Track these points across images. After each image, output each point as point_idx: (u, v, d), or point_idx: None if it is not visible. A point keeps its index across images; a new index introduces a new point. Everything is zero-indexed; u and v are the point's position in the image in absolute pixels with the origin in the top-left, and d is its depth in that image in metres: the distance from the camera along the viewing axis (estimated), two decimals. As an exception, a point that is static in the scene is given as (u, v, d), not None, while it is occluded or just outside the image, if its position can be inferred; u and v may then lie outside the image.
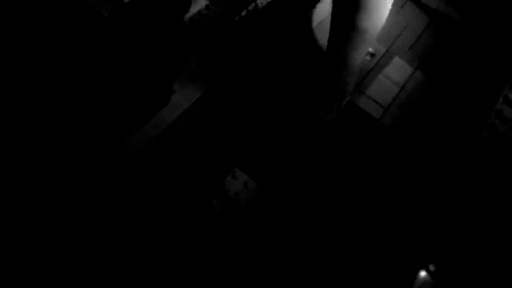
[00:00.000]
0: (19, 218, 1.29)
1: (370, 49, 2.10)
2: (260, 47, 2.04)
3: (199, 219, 1.59)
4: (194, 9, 2.01)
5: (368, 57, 2.08)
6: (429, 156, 1.81)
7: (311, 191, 1.83)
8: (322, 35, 2.10)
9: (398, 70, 2.09)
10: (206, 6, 2.06)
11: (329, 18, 2.11)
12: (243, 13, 2.03)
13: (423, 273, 1.50)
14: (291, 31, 2.09)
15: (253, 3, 2.12)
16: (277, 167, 1.92)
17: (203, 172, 1.79)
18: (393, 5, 2.30)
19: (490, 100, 1.86)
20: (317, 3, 2.15)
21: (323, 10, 2.15)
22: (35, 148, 1.31)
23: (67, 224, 1.34)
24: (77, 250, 1.38)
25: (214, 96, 1.89)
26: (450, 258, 1.47)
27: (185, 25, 1.85)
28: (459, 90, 2.03)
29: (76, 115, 1.33)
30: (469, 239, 1.42)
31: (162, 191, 1.57)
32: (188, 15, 1.90)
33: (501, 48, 2.11)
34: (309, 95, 1.93)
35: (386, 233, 1.66)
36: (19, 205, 1.30)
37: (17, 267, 1.27)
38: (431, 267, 1.48)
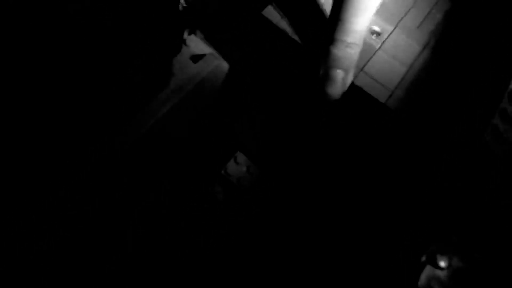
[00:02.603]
0: (19, 218, 1.28)
1: (376, 28, 2.03)
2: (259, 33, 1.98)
3: (199, 219, 1.59)
4: None
5: (373, 36, 2.02)
6: (433, 149, 1.78)
7: (312, 181, 1.81)
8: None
9: (405, 50, 2.02)
10: None
11: None
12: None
13: (428, 268, 1.50)
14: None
15: None
16: (280, 151, 1.90)
17: (204, 158, 1.78)
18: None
19: (491, 99, 1.81)
20: None
21: None
22: (35, 147, 1.29)
23: (67, 224, 1.34)
24: (77, 250, 1.39)
25: (215, 79, 1.85)
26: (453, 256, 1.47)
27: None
28: (465, 76, 1.97)
29: (76, 114, 1.31)
30: (469, 238, 1.41)
31: (162, 191, 1.56)
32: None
33: (503, 45, 2.04)
34: (310, 68, 1.87)
35: (386, 232, 1.65)
36: (19, 205, 1.29)
37: (17, 267, 1.28)
38: (441, 263, 1.48)
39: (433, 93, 1.93)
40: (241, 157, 1.86)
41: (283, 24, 1.95)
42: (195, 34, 1.91)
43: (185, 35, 1.87)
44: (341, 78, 1.79)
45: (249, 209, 1.68)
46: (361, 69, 1.92)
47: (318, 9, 2.01)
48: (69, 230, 1.36)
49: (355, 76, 1.89)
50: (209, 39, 1.93)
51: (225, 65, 1.83)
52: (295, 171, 1.83)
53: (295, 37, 1.93)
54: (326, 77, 1.77)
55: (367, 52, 1.97)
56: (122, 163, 1.40)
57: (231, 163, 1.83)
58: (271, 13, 1.97)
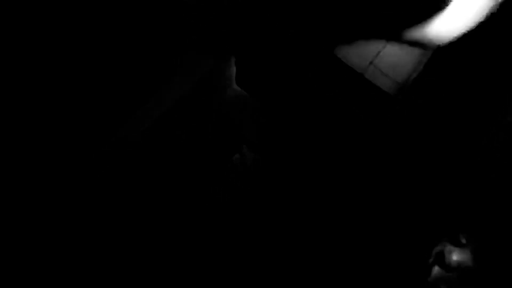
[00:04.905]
0: (19, 218, 1.26)
1: (387, 20, 1.99)
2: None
3: (201, 215, 1.56)
4: None
5: (384, 28, 1.98)
6: (441, 146, 1.75)
7: (317, 173, 1.79)
8: None
9: (415, 43, 1.98)
10: None
11: None
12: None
13: (436, 268, 1.48)
14: None
15: None
16: (284, 144, 1.87)
17: (209, 151, 1.75)
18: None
19: (491, 104, 1.78)
20: None
21: None
22: (35, 147, 1.27)
23: (67, 224, 1.31)
24: (78, 250, 1.36)
25: (219, 73, 1.82)
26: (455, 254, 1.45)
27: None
28: (474, 71, 1.93)
29: (75, 113, 1.28)
30: (477, 239, 1.39)
31: (163, 190, 1.53)
32: None
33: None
34: None
35: (395, 232, 1.63)
36: (19, 205, 1.27)
37: (17, 267, 1.26)
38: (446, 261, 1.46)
39: (441, 87, 1.90)
40: (246, 150, 1.84)
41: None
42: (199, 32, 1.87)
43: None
44: None
45: (251, 208, 1.66)
46: (371, 62, 1.89)
47: None
48: (69, 230, 1.33)
49: (365, 70, 1.86)
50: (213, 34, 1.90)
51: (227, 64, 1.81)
52: (299, 166, 1.81)
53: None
54: None
55: (377, 45, 1.93)
56: (124, 161, 1.38)
57: (236, 156, 1.81)
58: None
